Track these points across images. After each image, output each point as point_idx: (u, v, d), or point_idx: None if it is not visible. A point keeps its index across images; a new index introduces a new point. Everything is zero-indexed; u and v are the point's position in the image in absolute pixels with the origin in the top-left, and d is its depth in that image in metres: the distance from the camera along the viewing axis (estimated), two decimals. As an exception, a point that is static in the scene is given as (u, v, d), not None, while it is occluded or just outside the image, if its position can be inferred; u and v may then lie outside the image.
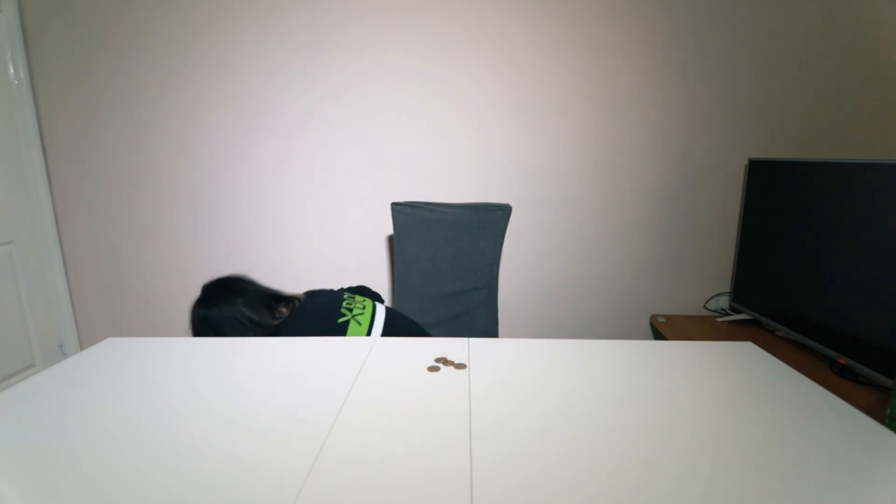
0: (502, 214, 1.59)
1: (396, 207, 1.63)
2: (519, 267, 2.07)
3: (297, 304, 1.21)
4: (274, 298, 1.20)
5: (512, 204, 1.61)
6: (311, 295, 1.27)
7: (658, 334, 2.12)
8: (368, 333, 1.18)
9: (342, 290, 1.37)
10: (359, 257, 2.06)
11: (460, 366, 0.93)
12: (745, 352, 1.02)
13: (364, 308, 1.22)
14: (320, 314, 1.17)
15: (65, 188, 2.01)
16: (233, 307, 1.15)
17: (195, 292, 2.09)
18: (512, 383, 0.87)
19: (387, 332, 1.22)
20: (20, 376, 1.92)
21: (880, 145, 1.93)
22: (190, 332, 1.17)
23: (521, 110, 1.94)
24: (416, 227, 1.64)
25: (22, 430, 0.72)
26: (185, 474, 0.62)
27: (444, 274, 1.64)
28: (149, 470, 0.63)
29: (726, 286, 2.08)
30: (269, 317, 1.16)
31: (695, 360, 0.97)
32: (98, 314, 2.13)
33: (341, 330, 1.16)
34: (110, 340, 1.06)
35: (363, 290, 1.48)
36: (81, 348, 2.15)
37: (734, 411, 0.78)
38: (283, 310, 1.20)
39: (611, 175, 1.99)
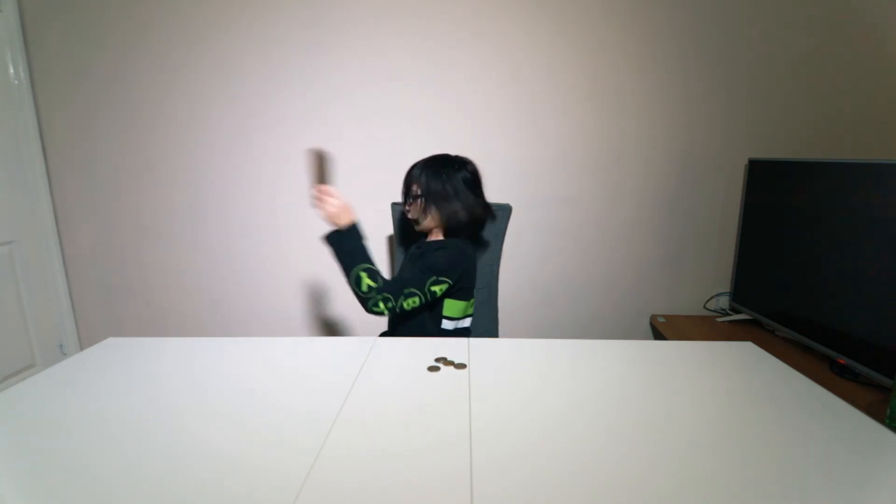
0: (502, 214, 1.58)
1: (396, 207, 1.63)
2: (519, 267, 2.07)
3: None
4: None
5: (512, 204, 1.61)
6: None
7: (658, 334, 2.12)
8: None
9: None
10: (359, 257, 2.06)
11: (460, 366, 0.94)
12: (745, 352, 1.02)
13: None
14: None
15: (65, 188, 2.01)
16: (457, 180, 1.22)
17: (195, 292, 2.11)
18: (512, 383, 0.87)
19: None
20: (20, 376, 1.92)
21: (880, 145, 1.93)
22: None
23: (521, 110, 1.93)
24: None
25: (22, 430, 0.72)
26: (186, 473, 0.62)
27: (444, 274, 1.64)
28: (149, 469, 0.63)
29: (726, 286, 2.08)
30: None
31: (695, 360, 0.97)
32: (98, 314, 2.13)
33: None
34: (110, 340, 1.06)
35: None
36: (81, 348, 2.15)
37: (734, 411, 0.78)
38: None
39: (611, 175, 1.99)
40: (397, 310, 1.11)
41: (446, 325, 1.24)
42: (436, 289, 1.14)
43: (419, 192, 1.22)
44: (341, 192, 1.15)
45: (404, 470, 0.63)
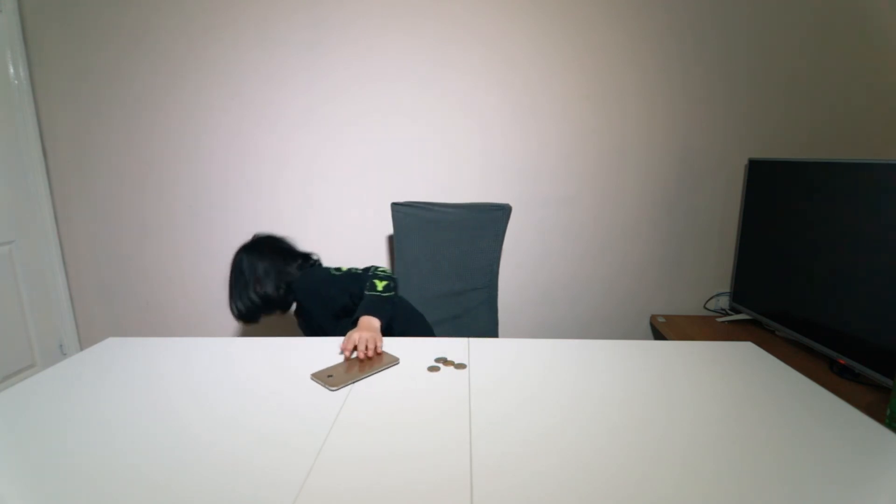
0: (502, 214, 1.58)
1: (396, 207, 1.63)
2: (519, 267, 2.07)
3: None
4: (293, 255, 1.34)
5: (512, 204, 1.61)
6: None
7: (658, 334, 2.12)
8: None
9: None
10: (359, 257, 2.06)
11: (460, 366, 0.94)
12: (745, 352, 1.02)
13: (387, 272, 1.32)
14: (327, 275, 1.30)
15: (65, 188, 2.01)
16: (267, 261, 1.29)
17: (195, 292, 2.11)
18: (512, 383, 0.87)
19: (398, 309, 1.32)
20: (20, 376, 1.92)
21: (880, 145, 1.93)
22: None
23: (521, 110, 1.93)
24: (416, 227, 1.64)
25: (22, 430, 0.72)
26: (185, 473, 0.62)
27: (444, 274, 1.64)
28: (148, 469, 0.63)
29: (726, 286, 2.08)
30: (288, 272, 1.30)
31: (695, 360, 0.97)
32: (98, 314, 2.13)
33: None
34: (110, 340, 1.06)
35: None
36: (81, 348, 2.15)
37: (734, 411, 0.78)
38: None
39: (611, 175, 1.99)
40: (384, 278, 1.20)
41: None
42: (343, 269, 1.28)
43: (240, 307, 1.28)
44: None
45: (404, 470, 0.63)
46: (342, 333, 1.15)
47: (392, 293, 1.17)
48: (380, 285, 1.16)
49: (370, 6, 1.84)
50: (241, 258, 1.28)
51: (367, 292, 1.15)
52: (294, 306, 1.35)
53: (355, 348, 0.96)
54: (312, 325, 1.33)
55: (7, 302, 1.87)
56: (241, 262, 1.28)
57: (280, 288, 1.27)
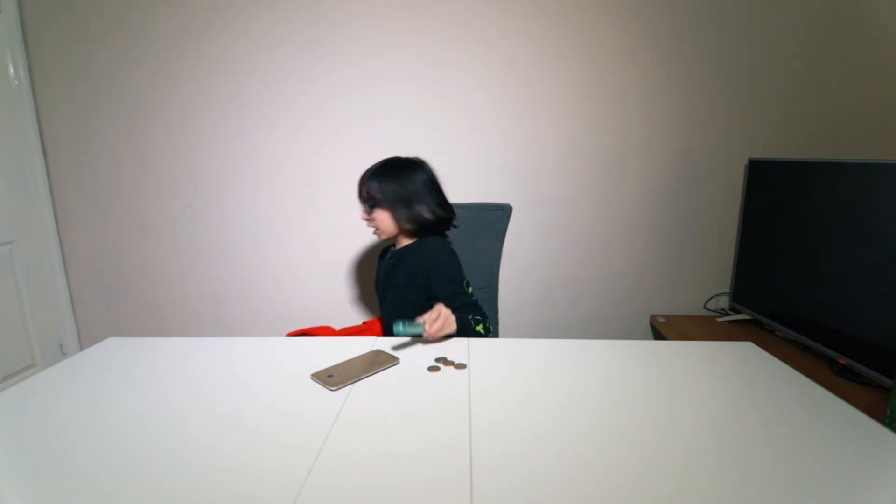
0: (502, 214, 1.58)
1: (396, 207, 1.62)
2: (519, 267, 2.07)
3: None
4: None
5: (512, 204, 1.61)
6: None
7: (658, 334, 2.12)
8: None
9: None
10: (359, 257, 2.06)
11: (460, 366, 0.93)
12: (745, 352, 1.02)
13: None
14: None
15: (65, 188, 2.01)
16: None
17: (195, 292, 2.11)
18: (512, 383, 0.87)
19: None
20: (20, 376, 1.92)
21: (880, 145, 1.93)
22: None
23: (521, 110, 1.93)
24: (416, 227, 1.64)
25: (22, 430, 0.72)
26: (186, 474, 0.62)
27: (444, 274, 1.64)
28: (149, 469, 0.63)
29: (726, 286, 2.08)
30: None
31: (695, 360, 0.97)
32: (98, 314, 2.13)
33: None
34: (110, 340, 1.06)
35: None
36: (81, 348, 2.15)
37: (734, 411, 0.78)
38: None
39: (611, 175, 1.99)
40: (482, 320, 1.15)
41: None
42: (470, 290, 1.20)
43: (379, 198, 1.20)
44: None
45: (404, 470, 0.63)
46: (394, 313, 1.15)
47: (482, 335, 1.13)
48: (480, 327, 1.13)
49: (370, 6, 1.84)
50: (421, 166, 1.23)
51: (471, 316, 1.12)
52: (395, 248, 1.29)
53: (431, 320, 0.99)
54: (385, 284, 1.30)
55: (7, 302, 1.87)
56: (419, 169, 1.22)
57: (429, 215, 1.20)
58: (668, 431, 0.72)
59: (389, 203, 1.20)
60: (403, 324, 0.97)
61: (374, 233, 1.26)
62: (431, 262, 1.20)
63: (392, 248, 1.32)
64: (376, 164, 1.24)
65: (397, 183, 1.20)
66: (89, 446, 0.68)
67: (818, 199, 1.58)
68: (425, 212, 1.21)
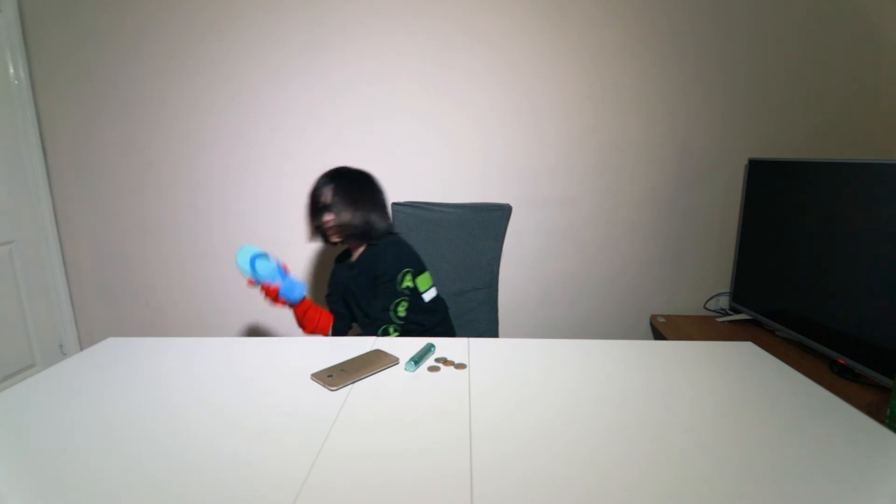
0: (502, 214, 1.58)
1: (396, 207, 1.63)
2: (519, 267, 2.07)
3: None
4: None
5: (512, 204, 1.61)
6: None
7: (658, 334, 2.12)
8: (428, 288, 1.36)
9: None
10: (359, 257, 2.06)
11: (460, 366, 0.94)
12: (745, 352, 1.02)
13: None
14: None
15: (65, 188, 2.01)
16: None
17: (195, 292, 2.11)
18: (511, 383, 0.87)
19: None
20: (20, 376, 1.92)
21: (880, 145, 1.93)
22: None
23: (521, 110, 1.93)
24: (416, 227, 1.64)
25: (22, 430, 0.72)
26: (186, 473, 0.62)
27: (445, 274, 1.64)
28: (149, 469, 0.63)
29: (726, 286, 2.08)
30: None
31: (695, 360, 0.97)
32: (98, 314, 2.13)
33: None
34: (110, 340, 1.06)
35: None
36: (81, 348, 2.15)
37: (734, 411, 0.78)
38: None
39: (611, 175, 1.99)
40: (399, 322, 1.25)
41: (426, 297, 1.34)
42: (406, 283, 1.26)
43: (331, 203, 1.25)
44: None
45: (404, 469, 0.63)
46: (366, 317, 1.28)
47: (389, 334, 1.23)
48: (391, 329, 1.23)
49: (371, 7, 1.84)
50: (362, 176, 1.29)
51: (378, 314, 1.23)
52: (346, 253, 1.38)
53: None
54: (341, 284, 1.38)
55: (7, 302, 1.87)
56: (359, 178, 1.29)
57: (381, 221, 1.28)
58: (667, 431, 0.72)
59: (341, 208, 1.25)
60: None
61: (330, 240, 1.29)
62: (379, 265, 1.28)
63: (348, 259, 1.37)
64: (327, 172, 1.29)
65: (350, 190, 1.26)
66: (89, 446, 0.68)
67: (818, 199, 1.58)
68: (374, 218, 1.28)
